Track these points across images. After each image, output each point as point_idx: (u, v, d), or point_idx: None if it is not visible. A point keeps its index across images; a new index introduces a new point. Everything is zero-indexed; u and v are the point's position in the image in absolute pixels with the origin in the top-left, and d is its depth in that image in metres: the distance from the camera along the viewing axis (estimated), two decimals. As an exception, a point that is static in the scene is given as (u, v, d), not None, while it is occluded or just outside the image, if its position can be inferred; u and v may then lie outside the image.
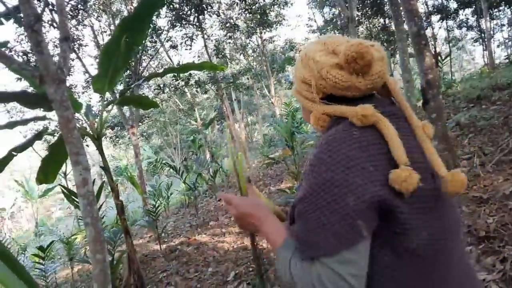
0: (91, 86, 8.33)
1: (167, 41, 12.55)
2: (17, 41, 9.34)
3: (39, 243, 7.35)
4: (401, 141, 0.62)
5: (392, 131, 0.63)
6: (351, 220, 0.59)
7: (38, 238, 12.26)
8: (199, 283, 3.70)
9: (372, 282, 0.63)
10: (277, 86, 20.49)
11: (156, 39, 12.13)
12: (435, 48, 13.21)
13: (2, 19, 3.37)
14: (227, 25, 13.62)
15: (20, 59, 8.71)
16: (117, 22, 11.39)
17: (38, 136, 2.88)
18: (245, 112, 23.90)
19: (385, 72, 0.70)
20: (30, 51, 9.04)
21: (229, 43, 16.09)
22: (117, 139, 16.10)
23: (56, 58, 7.59)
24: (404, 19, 4.31)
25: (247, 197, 0.90)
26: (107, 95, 7.02)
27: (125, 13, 11.57)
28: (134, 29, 2.64)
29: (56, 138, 3.19)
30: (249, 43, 17.42)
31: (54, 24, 8.79)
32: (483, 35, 14.47)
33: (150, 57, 12.23)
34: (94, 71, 11.15)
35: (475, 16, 14.92)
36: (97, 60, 8.81)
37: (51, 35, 36.32)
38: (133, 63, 9.95)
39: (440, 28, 18.35)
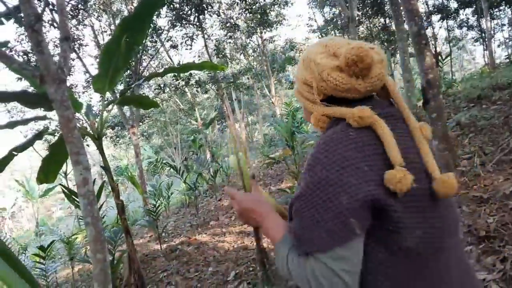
0: (91, 86, 8.36)
1: (167, 41, 12.57)
2: (18, 41, 9.34)
3: (39, 242, 7.35)
4: (396, 142, 0.64)
5: (388, 132, 0.64)
6: (344, 218, 0.61)
7: (38, 238, 12.27)
8: (199, 283, 3.70)
9: (367, 279, 0.65)
10: (277, 86, 20.48)
11: (156, 39, 12.13)
12: (435, 47, 13.20)
13: (3, 19, 3.36)
14: (227, 25, 13.63)
15: (21, 59, 8.71)
16: (117, 22, 11.39)
17: (39, 136, 2.88)
18: (245, 112, 23.92)
19: (385, 74, 0.71)
20: (31, 51, 9.03)
21: (230, 43, 16.10)
22: (117, 139, 16.11)
23: (56, 58, 7.60)
24: (404, 18, 4.31)
25: (250, 193, 0.93)
26: (108, 95, 7.03)
27: (126, 13, 11.58)
28: (134, 29, 2.64)
29: (56, 138, 3.19)
30: (250, 43, 17.43)
31: (55, 24, 8.79)
32: (483, 34, 14.44)
33: (151, 57, 12.25)
34: (94, 71, 11.18)
35: (476, 15, 14.89)
36: (98, 60, 8.81)
37: (52, 35, 36.44)
38: (133, 63, 9.94)
39: (440, 27, 18.39)
